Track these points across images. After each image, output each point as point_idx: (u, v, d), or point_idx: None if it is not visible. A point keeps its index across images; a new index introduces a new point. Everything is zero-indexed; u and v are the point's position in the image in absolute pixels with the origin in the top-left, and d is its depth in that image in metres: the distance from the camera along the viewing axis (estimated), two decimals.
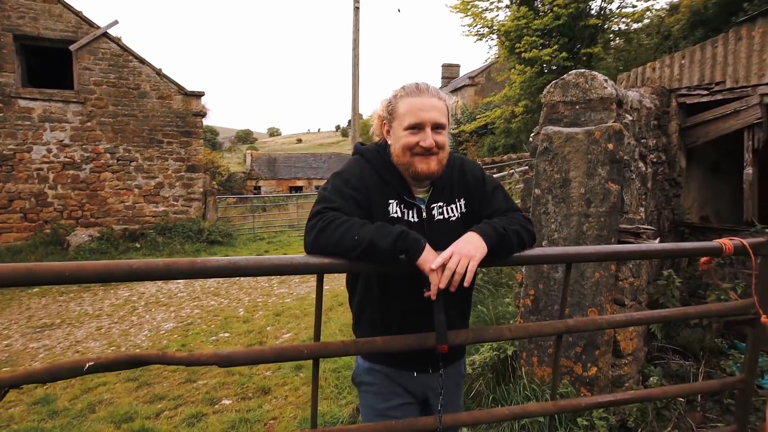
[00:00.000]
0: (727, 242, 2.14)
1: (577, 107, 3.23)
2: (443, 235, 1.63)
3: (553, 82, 3.39)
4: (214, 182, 18.16)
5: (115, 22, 13.20)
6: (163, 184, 13.74)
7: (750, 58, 4.29)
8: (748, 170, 4.47)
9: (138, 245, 12.31)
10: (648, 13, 16.82)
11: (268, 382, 4.81)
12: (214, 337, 6.36)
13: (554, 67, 16.05)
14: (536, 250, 1.84)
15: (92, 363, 1.35)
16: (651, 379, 3.20)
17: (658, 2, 16.58)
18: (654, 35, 17.71)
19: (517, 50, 16.14)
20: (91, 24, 12.85)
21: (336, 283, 9.12)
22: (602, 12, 16.57)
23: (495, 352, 3.36)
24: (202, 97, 14.30)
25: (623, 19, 16.91)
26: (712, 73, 4.51)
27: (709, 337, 3.86)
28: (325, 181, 1.79)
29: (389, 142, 1.77)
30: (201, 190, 14.20)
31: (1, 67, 11.89)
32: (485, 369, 3.37)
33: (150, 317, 7.52)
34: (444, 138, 1.68)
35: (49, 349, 6.18)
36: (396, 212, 1.71)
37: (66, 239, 11.83)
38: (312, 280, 9.69)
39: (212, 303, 8.21)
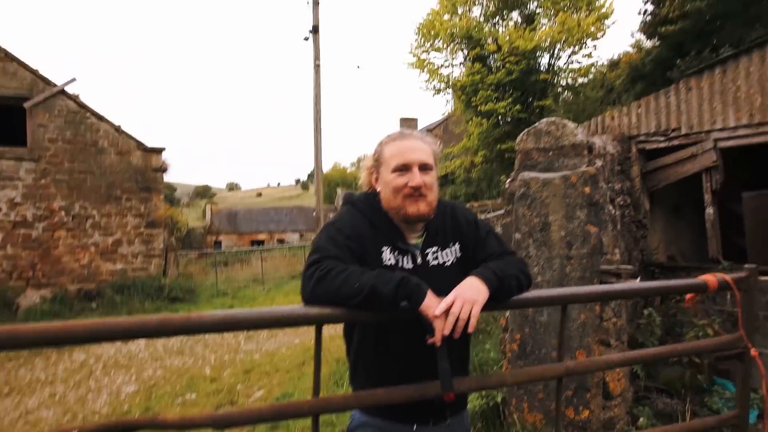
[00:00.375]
0: (711, 278, 2.19)
1: (551, 153, 3.34)
2: (440, 281, 1.60)
3: (526, 130, 3.52)
4: (173, 238, 17.70)
5: (73, 80, 13.05)
6: (121, 240, 13.28)
7: (701, 107, 4.60)
8: (709, 210, 4.70)
9: (94, 305, 11.72)
10: (592, 68, 17.95)
11: None
12: (180, 399, 6.00)
13: (509, 119, 16.75)
14: (532, 293, 1.83)
15: (77, 431, 1.23)
16: (641, 419, 3.19)
17: (600, 58, 17.76)
18: (598, 89, 18.87)
19: (474, 103, 16.80)
20: (47, 82, 12.65)
21: (306, 337, 8.87)
22: (551, 67, 17.57)
23: (484, 400, 3.29)
24: (162, 153, 14.13)
25: (571, 74, 17.95)
26: (668, 121, 4.80)
27: (689, 374, 3.92)
28: (301, 232, 1.76)
29: (378, 190, 1.77)
30: (161, 246, 13.79)
31: None
32: (475, 418, 3.29)
33: (109, 381, 7.06)
34: (432, 179, 1.69)
35: None
36: (390, 260, 1.69)
37: (15, 301, 11.16)
38: (281, 333, 9.40)
39: (176, 362, 7.80)
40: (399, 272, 1.50)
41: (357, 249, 1.64)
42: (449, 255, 1.77)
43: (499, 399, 3.29)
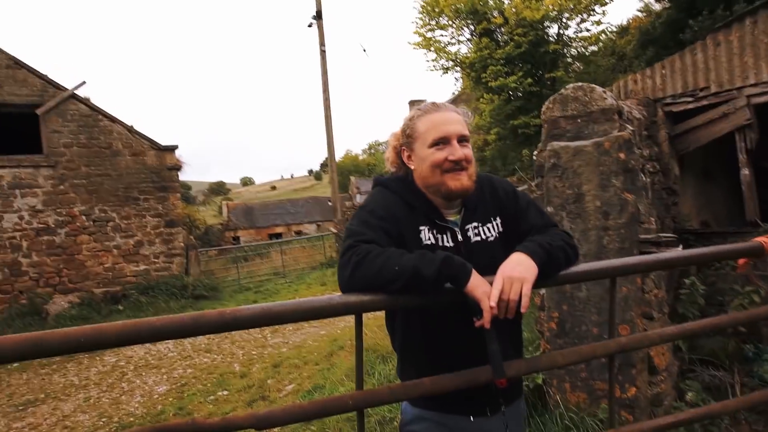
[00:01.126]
0: (766, 240, 2.05)
1: (579, 121, 3.19)
2: (483, 258, 1.51)
3: (551, 97, 3.36)
4: (192, 236, 17.79)
5: (83, 83, 13.05)
6: (142, 242, 13.37)
7: (731, 62, 4.37)
8: (745, 171, 4.50)
9: (121, 307, 11.84)
10: (602, 36, 17.48)
11: None
12: (212, 396, 6.01)
13: (520, 93, 16.42)
14: (579, 267, 1.71)
15: None
16: (689, 394, 3.06)
17: (610, 25, 17.28)
18: (609, 56, 18.40)
19: (483, 80, 16.48)
20: (57, 86, 12.67)
21: (332, 327, 8.84)
22: (560, 37, 17.14)
23: (525, 383, 3.18)
24: (176, 151, 14.13)
25: (580, 43, 17.51)
26: (695, 80, 4.58)
27: (733, 344, 3.77)
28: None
29: (412, 168, 1.66)
30: (182, 244, 13.85)
31: None
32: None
33: (141, 382, 7.11)
34: (470, 151, 1.59)
35: (35, 428, 5.75)
36: (429, 239, 1.58)
37: (44, 308, 11.31)
38: (306, 326, 9.39)
39: (205, 360, 7.84)
40: (440, 252, 1.40)
41: (393, 230, 1.54)
42: (491, 230, 1.66)
43: (539, 380, 3.18)
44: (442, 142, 1.56)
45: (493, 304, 1.30)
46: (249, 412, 1.34)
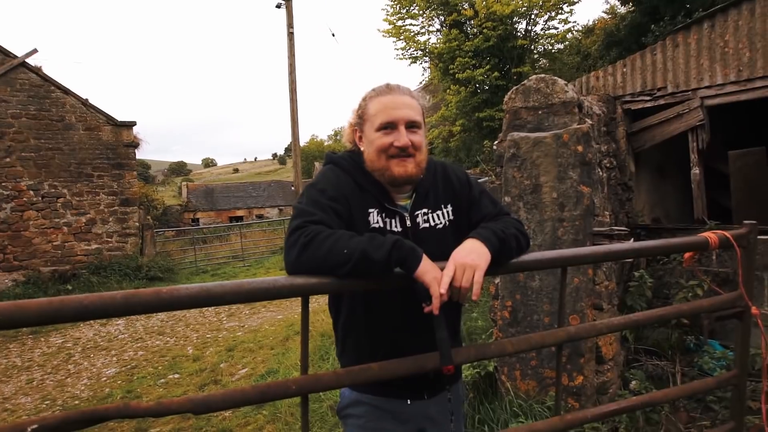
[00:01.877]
0: (712, 236, 2.11)
1: (540, 112, 3.21)
2: (431, 245, 1.47)
3: (514, 88, 3.37)
4: (149, 216, 17.28)
5: (34, 51, 12.41)
6: (95, 220, 12.89)
7: (688, 64, 4.49)
8: (695, 170, 4.65)
9: (70, 287, 11.42)
10: (569, 34, 17.77)
11: (228, 424, 4.45)
12: (162, 380, 5.87)
13: (487, 87, 16.55)
14: (530, 256, 1.72)
15: (35, 426, 1.07)
16: (633, 383, 3.16)
17: (577, 24, 17.62)
18: (575, 55, 18.75)
19: (451, 71, 16.51)
20: (6, 53, 12.01)
21: (289, 312, 8.77)
22: (528, 33, 17.33)
23: (476, 370, 3.22)
24: (134, 128, 13.65)
25: (548, 40, 17.76)
26: (654, 79, 4.69)
27: (677, 335, 3.91)
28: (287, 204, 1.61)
29: (362, 149, 1.62)
30: (137, 224, 13.44)
31: None
32: (468, 388, 3.22)
33: (89, 364, 6.88)
34: (420, 138, 1.55)
35: None
36: (377, 222, 1.55)
37: None
38: (263, 310, 9.29)
39: (157, 343, 7.65)
40: (391, 235, 1.37)
41: (343, 211, 1.50)
42: (441, 217, 1.64)
43: (491, 368, 3.22)
44: (389, 126, 1.52)
45: (444, 290, 1.27)
46: (185, 396, 1.28)
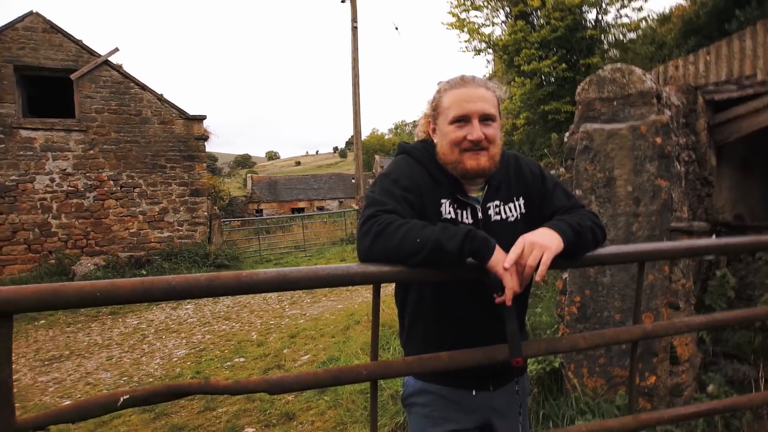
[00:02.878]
0: None
1: (615, 103, 3.08)
2: (502, 237, 1.45)
3: (588, 78, 3.25)
4: (216, 207, 18.00)
5: (116, 50, 13.19)
6: (167, 209, 13.59)
7: None
8: None
9: (144, 272, 12.11)
10: (642, 23, 16.91)
11: (291, 407, 4.58)
12: (229, 363, 6.13)
13: (553, 79, 16.04)
14: (607, 249, 1.66)
15: (127, 397, 1.15)
16: (710, 386, 3.00)
17: (652, 12, 16.72)
18: (648, 45, 17.84)
19: (516, 63, 16.11)
20: (91, 52, 12.83)
21: (349, 302, 8.90)
22: (598, 23, 16.63)
23: (541, 365, 3.16)
24: (204, 121, 14.24)
25: (619, 30, 16.97)
26: (741, 67, 4.39)
27: (761, 339, 3.66)
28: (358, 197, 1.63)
29: (435, 141, 1.61)
30: (205, 214, 14.04)
31: (2, 98, 11.82)
32: (531, 383, 3.16)
33: (161, 345, 7.29)
34: (494, 131, 1.52)
35: (59, 382, 5.95)
36: (449, 213, 1.54)
37: (71, 269, 11.63)
38: (324, 299, 9.48)
39: (224, 327, 7.98)
40: (464, 225, 1.37)
41: (416, 201, 1.50)
42: (512, 210, 1.62)
43: (557, 364, 3.15)
44: (462, 119, 1.50)
45: (508, 265, 1.26)
46: (262, 377, 1.33)
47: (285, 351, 6.36)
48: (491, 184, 1.60)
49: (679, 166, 3.73)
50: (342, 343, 6.28)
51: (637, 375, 2.88)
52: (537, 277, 1.31)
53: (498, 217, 1.60)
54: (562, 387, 3.13)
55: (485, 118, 1.51)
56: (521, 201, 1.63)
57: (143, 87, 13.35)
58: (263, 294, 7.19)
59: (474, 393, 1.64)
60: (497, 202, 1.60)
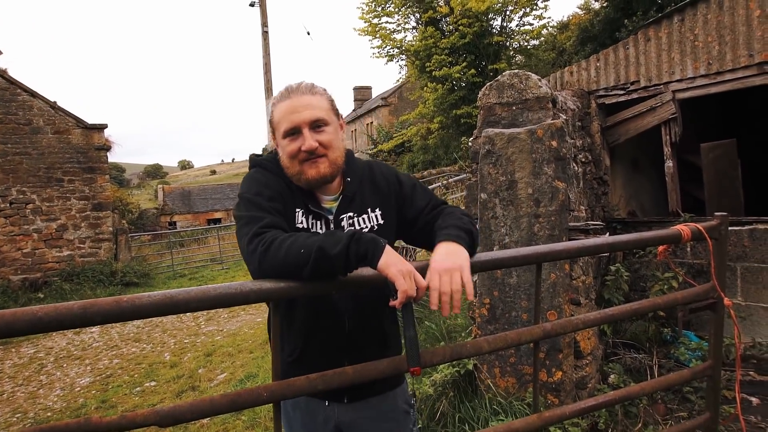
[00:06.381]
0: (684, 228, 2.11)
1: (514, 108, 3.19)
2: None
3: (488, 84, 3.34)
4: (124, 221, 16.94)
5: None
6: (66, 225, 12.58)
7: (660, 57, 4.52)
8: (669, 163, 4.70)
9: (41, 295, 11.13)
10: (543, 30, 17.93)
11: (206, 431, 4.35)
12: (138, 388, 5.74)
13: (464, 84, 16.60)
14: (506, 252, 1.70)
15: None
16: (611, 376, 3.16)
17: (552, 20, 17.74)
18: (550, 51, 18.94)
19: (428, 69, 16.54)
20: None
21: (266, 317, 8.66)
22: (504, 30, 17.43)
23: (455, 369, 3.19)
24: (105, 130, 13.36)
25: (523, 36, 17.88)
26: (627, 73, 4.72)
27: (654, 328, 3.93)
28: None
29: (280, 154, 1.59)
30: (110, 229, 13.16)
31: None
32: (446, 387, 3.19)
33: (62, 374, 6.70)
34: (328, 135, 1.49)
35: None
36: (302, 222, 1.51)
37: None
38: (243, 313, 9.17)
39: (134, 350, 7.48)
40: (351, 228, 1.33)
41: (282, 210, 1.47)
42: (367, 222, 1.58)
43: (470, 366, 3.19)
44: (293, 132, 1.48)
45: (434, 307, 1.23)
46: (151, 409, 1.22)
47: (200, 371, 6.06)
48: (345, 196, 1.57)
49: (576, 167, 3.93)
50: (261, 358, 6.08)
51: (545, 372, 2.99)
52: (468, 297, 1.29)
53: (351, 230, 1.58)
54: (476, 389, 3.18)
55: (316, 125, 1.47)
56: (377, 212, 1.60)
57: (33, 94, 12.29)
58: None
59: (327, 404, 1.63)
60: (351, 214, 1.57)
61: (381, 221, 1.59)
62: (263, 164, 1.58)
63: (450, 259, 1.28)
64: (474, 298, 3.35)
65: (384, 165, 1.73)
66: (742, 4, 4.10)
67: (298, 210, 1.51)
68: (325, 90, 1.57)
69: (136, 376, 6.21)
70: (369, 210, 1.58)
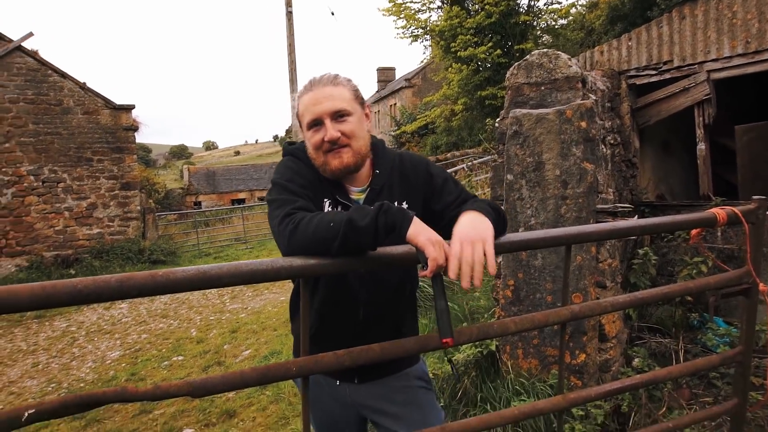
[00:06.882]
0: (720, 212, 2.06)
1: (543, 88, 3.14)
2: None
3: (516, 63, 3.28)
4: (151, 200, 17.26)
5: (30, 35, 12.27)
6: (96, 204, 12.88)
7: (695, 36, 4.39)
8: (701, 146, 4.58)
9: (73, 271, 11.46)
10: (572, 9, 17.50)
11: (232, 405, 4.46)
12: (166, 362, 5.90)
13: (489, 65, 16.34)
14: (534, 233, 1.68)
15: (32, 411, 1.04)
16: (636, 360, 3.14)
17: None
18: (578, 31, 18.50)
19: (453, 49, 16.32)
20: (2, 38, 11.89)
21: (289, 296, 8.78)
22: (531, 9, 17.05)
23: (478, 349, 3.20)
24: (133, 111, 13.55)
25: (551, 15, 17.47)
26: (660, 53, 4.59)
27: (680, 313, 3.88)
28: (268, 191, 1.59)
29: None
30: (138, 208, 13.43)
31: None
32: (469, 367, 3.21)
33: (93, 347, 6.92)
34: (352, 125, 1.50)
35: None
36: None
37: None
38: (266, 291, 9.31)
39: (161, 326, 7.68)
40: (381, 201, 1.34)
41: (314, 198, 1.50)
42: None
43: (493, 347, 3.20)
44: (316, 123, 1.50)
45: (453, 275, 1.19)
46: (184, 380, 1.25)
47: (225, 347, 6.20)
48: (373, 188, 1.58)
49: (605, 149, 3.86)
50: (284, 335, 6.18)
51: (568, 354, 2.98)
52: (490, 271, 1.26)
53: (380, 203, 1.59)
54: (498, 369, 3.19)
55: (338, 116, 1.49)
56: (404, 205, 1.60)
57: (63, 75, 12.51)
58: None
59: (338, 383, 1.67)
60: None
61: None
62: (296, 153, 1.61)
63: (474, 230, 1.25)
64: (498, 279, 3.34)
65: (416, 156, 1.72)
66: None
67: (326, 200, 1.54)
68: (349, 80, 1.58)
69: (163, 350, 6.38)
70: (396, 202, 1.58)
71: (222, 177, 36.26)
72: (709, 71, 4.35)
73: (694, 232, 2.30)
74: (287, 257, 1.31)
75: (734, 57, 4.22)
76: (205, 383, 1.26)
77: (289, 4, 16.28)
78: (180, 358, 6.00)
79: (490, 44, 15.76)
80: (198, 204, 31.93)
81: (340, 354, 1.43)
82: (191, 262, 13.60)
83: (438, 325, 1.24)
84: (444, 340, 1.23)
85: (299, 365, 1.36)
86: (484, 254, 1.22)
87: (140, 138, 14.40)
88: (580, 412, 2.71)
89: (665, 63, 4.55)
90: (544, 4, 17.29)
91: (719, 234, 4.38)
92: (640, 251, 3.57)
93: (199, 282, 1.20)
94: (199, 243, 16.22)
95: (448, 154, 17.88)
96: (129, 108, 13.41)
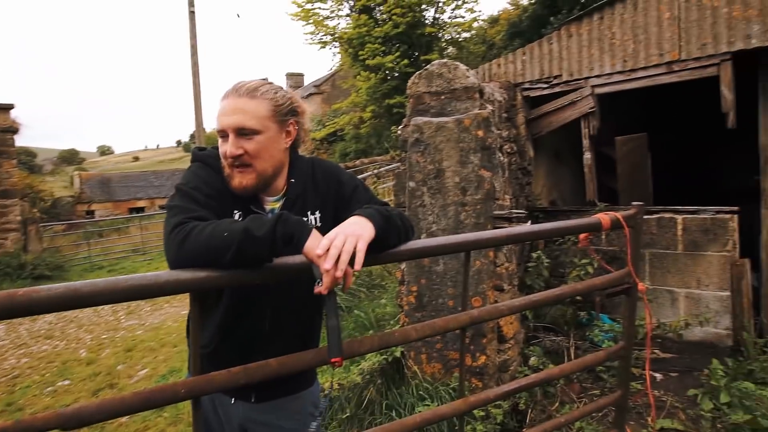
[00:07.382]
0: (604, 217, 2.20)
1: (443, 97, 3.22)
2: None
3: (418, 72, 3.35)
4: (36, 210, 15.76)
5: None
6: None
7: (581, 53, 4.73)
8: (587, 155, 4.94)
9: None
10: (475, 23, 18.34)
11: (125, 430, 4.14)
12: (50, 388, 5.37)
13: (396, 74, 16.69)
14: (434, 240, 1.70)
15: None
16: (532, 359, 3.29)
17: (482, 14, 18.22)
18: (480, 44, 19.43)
19: (361, 57, 16.49)
20: None
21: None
22: (436, 21, 17.65)
23: (383, 356, 3.21)
24: (12, 111, 12.32)
25: (455, 28, 18.19)
26: (550, 68, 4.90)
27: (571, 312, 4.13)
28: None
29: None
30: (18, 218, 12.19)
31: None
32: (374, 375, 3.20)
33: None
34: (257, 145, 1.42)
35: None
36: None
37: None
38: (166, 305, 8.79)
39: (45, 348, 6.99)
40: (279, 210, 1.29)
41: (218, 210, 1.39)
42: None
43: (398, 353, 3.22)
44: (223, 134, 1.43)
45: (320, 252, 1.14)
46: (54, 411, 1.11)
47: (119, 367, 5.76)
48: (288, 198, 1.54)
49: (502, 157, 4.03)
50: (185, 352, 5.84)
51: (469, 356, 3.06)
52: (356, 267, 1.23)
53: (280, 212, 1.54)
54: (404, 375, 3.21)
55: (242, 133, 1.41)
56: (316, 215, 1.58)
57: None
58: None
59: (233, 401, 1.60)
60: None
61: (319, 224, 1.56)
62: (206, 160, 1.51)
63: (352, 228, 1.23)
64: (402, 285, 3.37)
65: (327, 163, 1.67)
66: (654, 6, 4.37)
67: (236, 211, 1.46)
68: (276, 92, 1.48)
69: (47, 375, 5.81)
70: (309, 213, 1.55)
71: (118, 184, 33.94)
72: (593, 86, 4.71)
73: (582, 236, 2.45)
74: (174, 270, 1.21)
75: (614, 74, 4.61)
76: (78, 413, 1.12)
77: (191, 3, 15.63)
78: (66, 382, 5.49)
79: (397, 54, 16.10)
80: (91, 213, 29.62)
81: (235, 371, 1.34)
82: (81, 276, 12.54)
83: (328, 344, 1.19)
84: (333, 360, 1.18)
85: (189, 386, 1.26)
86: (355, 249, 1.18)
87: (23, 141, 13.14)
88: (481, 413, 2.79)
89: (555, 77, 4.87)
90: (449, 18, 17.96)
91: (604, 237, 4.73)
92: (534, 255, 3.76)
93: (70, 301, 1.07)
94: (92, 255, 15.03)
95: (357, 162, 17.98)
96: (7, 107, 12.17)
